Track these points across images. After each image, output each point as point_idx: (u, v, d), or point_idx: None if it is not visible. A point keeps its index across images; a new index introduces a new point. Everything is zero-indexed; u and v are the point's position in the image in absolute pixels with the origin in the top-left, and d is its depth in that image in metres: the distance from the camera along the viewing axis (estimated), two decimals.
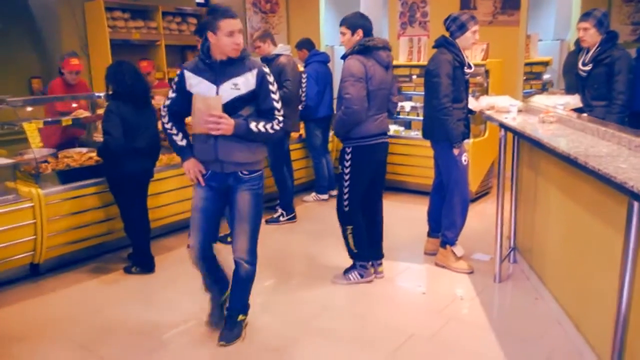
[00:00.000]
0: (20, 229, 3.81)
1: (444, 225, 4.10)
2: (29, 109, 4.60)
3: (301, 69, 5.84)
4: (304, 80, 5.65)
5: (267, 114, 2.90)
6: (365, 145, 3.67)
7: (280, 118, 2.92)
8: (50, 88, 5.29)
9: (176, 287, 3.90)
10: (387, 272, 4.08)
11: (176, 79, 2.98)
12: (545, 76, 6.90)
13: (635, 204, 1.97)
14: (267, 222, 5.26)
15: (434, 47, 4.00)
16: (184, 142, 3.03)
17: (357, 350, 3.03)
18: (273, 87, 2.89)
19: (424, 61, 6.18)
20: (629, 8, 6.35)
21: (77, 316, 3.51)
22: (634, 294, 2.08)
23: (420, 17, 7.21)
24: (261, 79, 2.85)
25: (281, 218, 5.27)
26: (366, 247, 3.90)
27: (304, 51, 5.85)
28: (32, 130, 3.88)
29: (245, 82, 2.82)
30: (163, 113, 3.04)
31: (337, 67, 6.15)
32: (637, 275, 2.08)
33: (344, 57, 3.68)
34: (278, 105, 2.91)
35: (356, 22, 3.67)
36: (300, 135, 6.06)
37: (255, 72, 2.84)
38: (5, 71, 6.13)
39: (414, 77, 6.33)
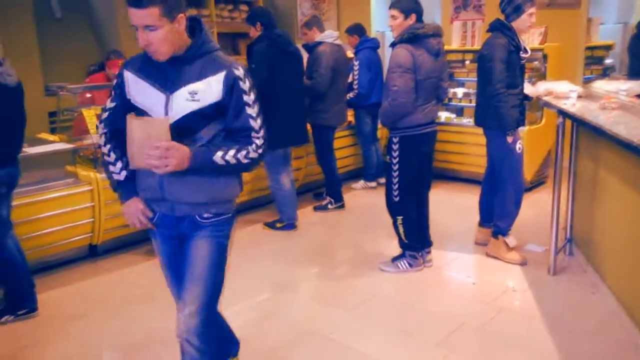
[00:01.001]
0: (79, 211, 3.97)
1: (496, 215, 3.99)
2: (88, 95, 4.77)
3: (351, 55, 5.79)
4: (355, 67, 5.59)
5: (240, 136, 2.05)
6: (413, 135, 3.61)
7: (260, 142, 2.06)
8: (91, 81, 5.22)
9: (229, 271, 3.95)
10: (436, 261, 4.02)
11: (116, 80, 2.15)
12: (607, 61, 6.60)
13: None
14: (315, 209, 5.28)
15: (488, 30, 3.88)
16: (122, 175, 2.18)
17: (406, 339, 3.01)
18: (249, 97, 2.02)
19: (477, 46, 6.01)
20: None
21: (132, 296, 3.64)
22: None
23: (475, 0, 7.00)
24: (231, 86, 1.97)
25: (329, 205, 5.27)
26: (417, 238, 3.86)
27: (355, 37, 5.78)
28: (91, 116, 4.02)
29: (206, 90, 1.96)
30: (99, 130, 2.19)
31: (387, 54, 6.07)
32: None
33: (392, 45, 3.60)
34: (257, 123, 2.05)
35: (410, 6, 3.55)
36: (350, 122, 6.02)
37: (222, 75, 1.96)
38: (65, 59, 6.36)
39: (467, 62, 6.18)
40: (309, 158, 5.56)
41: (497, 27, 3.78)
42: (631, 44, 6.07)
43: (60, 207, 3.86)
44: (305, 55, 4.93)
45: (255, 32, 4.40)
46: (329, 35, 5.02)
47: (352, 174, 6.15)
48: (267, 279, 3.85)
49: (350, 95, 5.59)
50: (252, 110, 2.04)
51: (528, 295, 3.46)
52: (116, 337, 3.15)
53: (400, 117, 3.56)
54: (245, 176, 4.90)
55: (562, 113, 3.48)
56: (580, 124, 3.10)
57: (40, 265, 3.84)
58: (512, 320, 3.17)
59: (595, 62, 6.22)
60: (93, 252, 4.23)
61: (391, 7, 3.62)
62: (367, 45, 5.72)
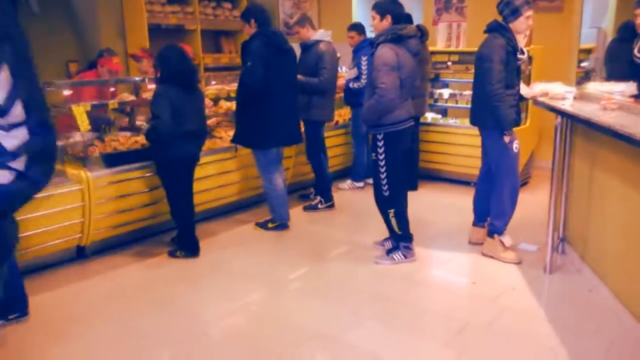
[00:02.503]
0: (68, 211, 3.82)
1: (492, 214, 4.03)
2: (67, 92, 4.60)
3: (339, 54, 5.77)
4: (364, 63, 5.56)
5: None
6: (397, 131, 3.77)
7: None
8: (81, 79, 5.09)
9: (220, 272, 3.90)
10: (433, 262, 4.05)
11: None
12: (585, 64, 6.75)
13: None
14: (305, 208, 5.23)
15: (485, 31, 3.90)
16: None
17: (414, 339, 3.00)
18: None
19: (462, 47, 6.09)
20: None
21: (126, 298, 3.53)
22: None
23: (457, 2, 7.08)
24: None
25: (319, 205, 5.23)
26: (408, 228, 3.98)
27: (362, 35, 5.74)
28: (80, 113, 3.87)
29: None
30: None
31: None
32: None
33: (375, 44, 3.73)
34: None
35: (386, 8, 3.75)
36: (337, 122, 6.00)
37: None
38: (43, 55, 6.11)
39: (449, 63, 6.23)
40: (297, 158, 5.51)
41: (495, 28, 3.81)
42: (610, 48, 6.23)
43: (48, 207, 3.71)
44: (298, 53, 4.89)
45: (249, 29, 4.32)
46: (325, 34, 5.05)
47: (340, 174, 6.13)
48: (264, 279, 3.78)
49: (356, 85, 5.59)
50: None
51: (528, 294, 3.50)
52: (111, 341, 3.04)
53: (386, 113, 3.70)
54: (234, 176, 4.87)
55: (562, 113, 3.53)
56: (586, 125, 3.13)
57: (28, 268, 3.68)
58: (517, 319, 3.19)
59: (577, 65, 6.35)
60: (81, 254, 4.08)
61: (372, 7, 3.83)
62: (367, 45, 5.72)
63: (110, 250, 4.23)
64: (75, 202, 3.85)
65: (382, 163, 3.80)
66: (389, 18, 3.74)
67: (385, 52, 3.63)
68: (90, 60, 5.36)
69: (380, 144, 3.79)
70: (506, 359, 2.80)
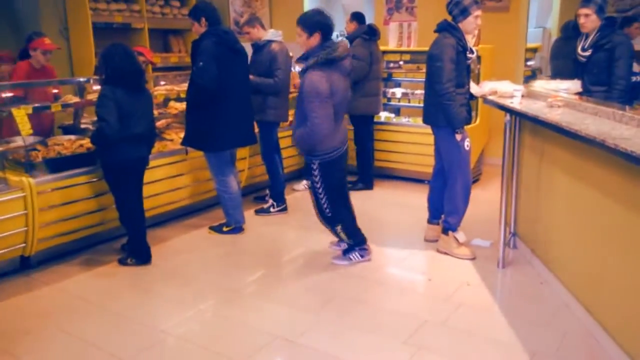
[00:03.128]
0: (10, 220, 3.63)
1: (446, 211, 4.08)
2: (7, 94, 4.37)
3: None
4: None
5: None
6: (332, 160, 3.66)
7: None
8: (14, 73, 4.82)
9: (174, 279, 3.79)
10: (389, 260, 4.07)
11: None
12: (531, 62, 6.95)
13: None
14: (256, 212, 5.15)
15: (435, 31, 3.95)
16: None
17: (373, 338, 2.99)
18: None
19: (413, 47, 6.15)
20: None
21: (74, 310, 3.38)
22: None
23: (407, 2, 7.16)
24: None
25: (272, 209, 5.15)
26: (359, 232, 3.97)
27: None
28: (21, 116, 3.68)
29: None
30: None
31: None
32: None
33: (304, 70, 3.48)
34: None
35: (314, 24, 3.46)
36: (291, 122, 5.94)
37: None
38: None
39: (401, 63, 6.30)
40: (252, 159, 5.43)
41: (445, 28, 3.86)
42: (554, 47, 6.43)
43: None
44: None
45: (199, 28, 4.22)
46: (277, 34, 5.00)
47: (294, 175, 6.08)
48: (220, 284, 3.70)
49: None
50: None
51: (482, 289, 3.56)
52: (62, 354, 2.90)
53: (318, 144, 3.54)
54: (185, 179, 4.75)
55: (511, 111, 3.61)
56: (535, 122, 3.21)
57: None
58: (473, 315, 3.24)
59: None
60: (26, 264, 3.89)
61: (297, 23, 3.54)
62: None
63: (57, 259, 4.04)
64: (17, 210, 3.66)
65: (319, 188, 3.71)
66: (318, 36, 3.44)
67: (317, 81, 3.36)
68: (20, 49, 4.99)
69: (316, 172, 3.66)
70: (463, 354, 2.83)
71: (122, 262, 3.99)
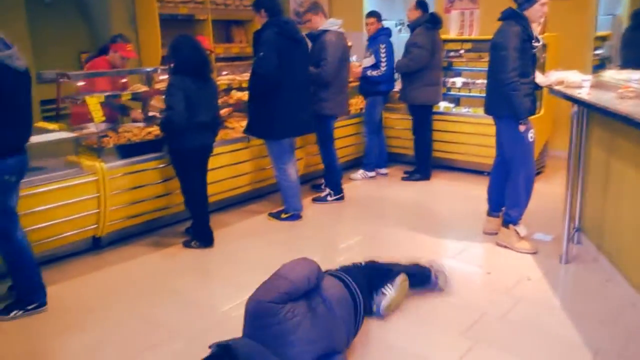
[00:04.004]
0: (84, 202, 3.85)
1: (507, 204, 4.00)
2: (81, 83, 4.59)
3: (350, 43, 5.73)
4: (382, 51, 5.56)
5: None
6: None
7: None
8: (92, 66, 4.92)
9: (234, 263, 3.91)
10: (446, 252, 4.04)
11: None
12: (600, 51, 6.66)
13: None
14: (314, 200, 5.21)
15: (500, 19, 3.85)
16: None
17: (432, 330, 2.99)
18: None
19: (475, 35, 6.02)
20: None
21: (142, 288, 3.55)
22: None
23: None
24: None
25: (329, 197, 5.19)
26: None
27: (380, 23, 5.71)
28: (94, 104, 3.88)
29: None
30: None
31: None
32: None
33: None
34: None
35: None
36: (349, 111, 5.96)
37: None
38: (55, 46, 6.14)
39: (462, 51, 6.17)
40: (309, 148, 5.49)
41: (510, 16, 3.76)
42: (625, 35, 6.14)
43: (64, 198, 3.74)
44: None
45: (260, 18, 4.30)
46: (334, 23, 4.94)
47: (351, 164, 6.10)
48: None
49: (374, 73, 5.58)
50: None
51: (544, 284, 3.48)
52: (126, 331, 3.07)
53: None
54: (246, 166, 4.86)
55: (579, 102, 3.49)
56: (605, 114, 3.09)
57: (43, 259, 3.70)
58: (533, 310, 3.18)
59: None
60: (97, 245, 4.11)
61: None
62: (385, 33, 5.70)
63: (125, 240, 4.26)
64: (90, 193, 3.87)
65: None
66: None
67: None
68: (101, 45, 5.23)
69: None
70: (521, 349, 2.79)
71: (186, 244, 4.15)
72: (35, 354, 2.82)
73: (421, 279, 3.28)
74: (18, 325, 3.10)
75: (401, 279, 3.13)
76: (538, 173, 5.82)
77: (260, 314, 2.34)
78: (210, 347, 2.24)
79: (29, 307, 3.18)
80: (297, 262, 2.58)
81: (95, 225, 3.98)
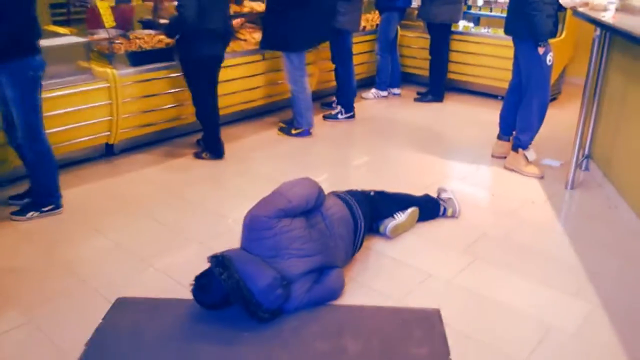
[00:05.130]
0: (97, 109, 3.87)
1: (518, 127, 3.98)
2: None
3: None
4: None
5: None
6: None
7: None
8: None
9: (244, 175, 3.98)
10: (454, 174, 4.08)
11: None
12: None
13: None
14: (324, 117, 5.20)
15: None
16: None
17: (431, 246, 3.08)
18: None
19: None
20: None
21: (155, 195, 3.65)
22: None
23: None
24: None
25: (340, 115, 5.17)
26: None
27: None
28: (105, 8, 3.81)
29: None
30: None
31: None
32: None
33: None
34: None
35: None
36: (364, 27, 5.80)
37: None
38: None
39: None
40: (322, 64, 5.40)
41: None
42: None
43: (77, 103, 3.76)
44: None
45: None
46: None
47: (364, 83, 6.02)
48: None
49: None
50: None
51: (547, 208, 3.53)
52: (141, 233, 3.19)
53: None
54: (258, 80, 4.81)
55: (602, 26, 3.37)
56: (628, 39, 2.98)
57: (58, 163, 3.77)
58: (534, 231, 3.25)
59: None
60: (110, 152, 4.18)
61: None
62: None
63: (138, 149, 4.32)
64: (102, 99, 3.88)
65: None
66: None
67: None
68: None
69: None
70: (518, 267, 2.87)
71: (197, 155, 4.21)
72: (51, 254, 2.94)
73: (431, 213, 3.33)
74: (35, 225, 3.23)
75: (412, 209, 3.20)
76: (553, 99, 5.74)
77: (256, 227, 2.44)
78: (208, 259, 2.35)
79: (45, 209, 3.29)
80: (298, 182, 2.64)
81: (108, 133, 4.02)
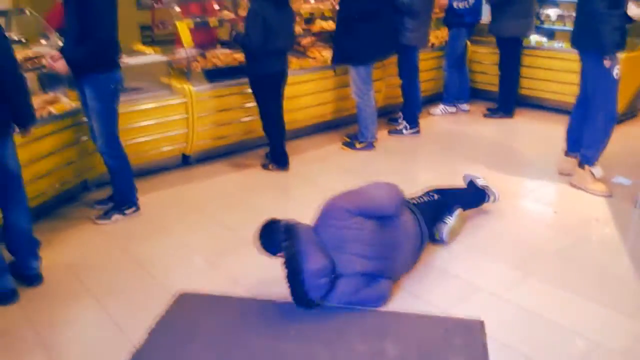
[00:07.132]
0: (175, 122, 4.22)
1: (584, 143, 3.88)
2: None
3: None
4: None
5: None
6: None
7: None
8: None
9: (308, 185, 4.16)
10: (518, 190, 4.04)
11: None
12: None
13: None
14: (390, 132, 5.28)
15: None
16: None
17: (487, 261, 3.08)
18: None
19: None
20: None
21: (223, 201, 3.91)
22: None
23: None
24: None
25: (405, 130, 5.24)
26: None
27: None
28: (184, 29, 4.15)
29: None
30: None
31: None
32: None
33: None
34: None
35: None
36: (433, 44, 5.85)
37: None
38: None
39: None
40: (389, 80, 5.50)
41: None
42: None
43: (157, 117, 4.11)
44: None
45: None
46: None
47: (430, 99, 6.02)
48: None
49: (461, 5, 5.45)
50: None
51: (610, 227, 3.42)
52: (206, 234, 3.45)
53: None
54: (325, 96, 4.97)
55: None
56: None
57: (139, 172, 4.09)
58: (593, 249, 3.18)
59: None
60: (186, 162, 4.51)
61: None
62: None
63: (211, 159, 4.63)
64: (180, 113, 4.22)
65: None
66: None
67: None
68: None
69: None
70: (573, 285, 2.81)
71: (264, 166, 4.45)
72: (126, 251, 3.26)
73: (477, 201, 3.49)
74: (112, 225, 3.57)
75: (458, 210, 3.25)
76: (633, 116, 5.50)
77: (330, 214, 2.61)
78: (281, 224, 2.63)
79: (127, 211, 3.63)
80: (385, 186, 2.79)
81: (185, 144, 4.35)
